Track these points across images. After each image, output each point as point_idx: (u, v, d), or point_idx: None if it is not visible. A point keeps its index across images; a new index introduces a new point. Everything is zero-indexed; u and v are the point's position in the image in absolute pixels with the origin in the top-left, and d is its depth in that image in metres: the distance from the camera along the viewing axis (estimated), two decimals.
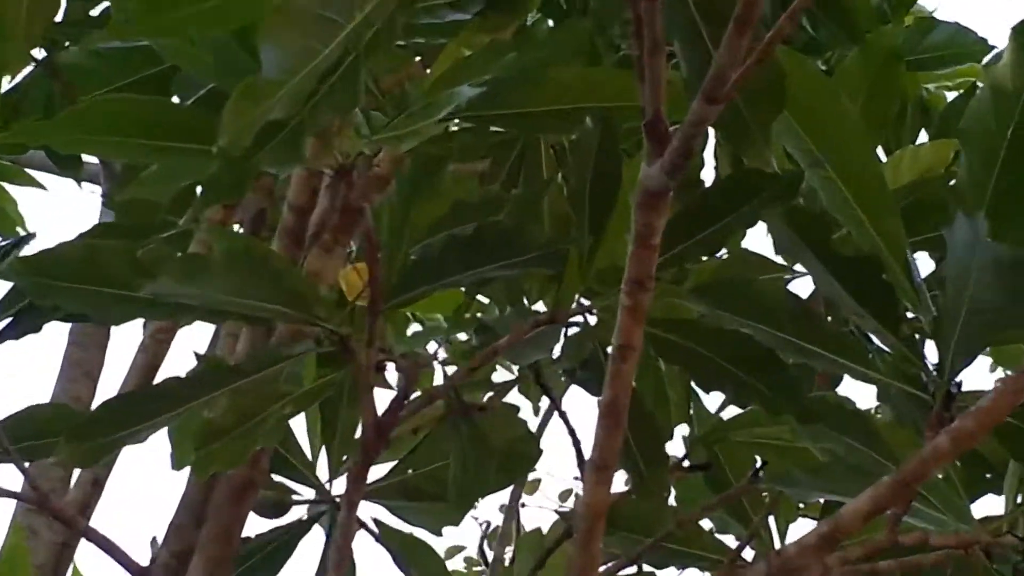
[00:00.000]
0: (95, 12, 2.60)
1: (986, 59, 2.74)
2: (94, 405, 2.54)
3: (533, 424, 2.58)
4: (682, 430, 2.31)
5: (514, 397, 2.32)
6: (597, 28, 1.43)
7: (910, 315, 1.56)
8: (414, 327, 3.10)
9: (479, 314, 2.45)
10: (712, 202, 1.56)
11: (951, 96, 3.12)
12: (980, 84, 2.96)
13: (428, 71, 2.06)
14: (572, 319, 1.70)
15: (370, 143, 1.51)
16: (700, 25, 1.34)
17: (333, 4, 1.21)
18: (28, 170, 3.14)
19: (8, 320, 2.05)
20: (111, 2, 1.46)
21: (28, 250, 2.09)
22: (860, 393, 1.99)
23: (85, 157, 2.77)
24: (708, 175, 2.62)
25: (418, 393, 1.64)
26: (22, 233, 3.53)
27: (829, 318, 1.84)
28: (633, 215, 1.26)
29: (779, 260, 2.06)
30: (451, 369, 1.79)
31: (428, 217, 1.53)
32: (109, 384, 2.56)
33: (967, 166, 1.48)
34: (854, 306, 1.49)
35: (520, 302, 1.84)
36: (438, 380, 1.88)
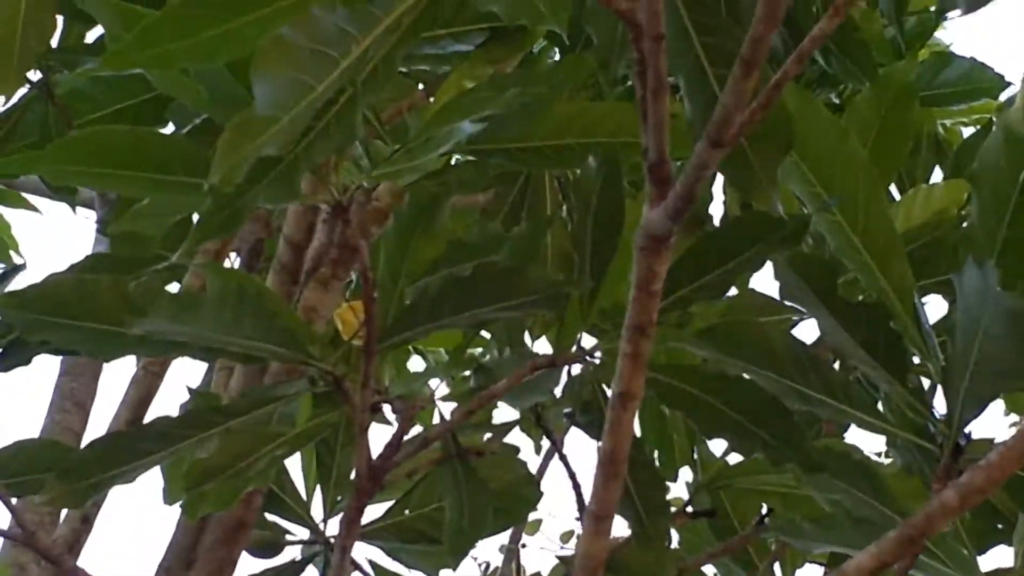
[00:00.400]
0: (91, 34, 2.60)
1: (1002, 96, 2.72)
2: (86, 436, 2.51)
3: (534, 463, 2.54)
4: (686, 473, 2.27)
5: (516, 433, 2.29)
6: (600, 64, 1.40)
7: (916, 359, 1.53)
8: (415, 358, 3.08)
9: (480, 349, 2.42)
10: (717, 245, 1.53)
11: (967, 131, 3.09)
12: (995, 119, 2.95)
13: (431, 99, 2.03)
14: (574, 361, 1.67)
15: (368, 177, 1.48)
16: (705, 64, 1.31)
17: (328, 38, 1.18)
18: (22, 193, 3.12)
19: None
20: (105, 33, 1.43)
21: (19, 280, 2.07)
22: (869, 435, 1.96)
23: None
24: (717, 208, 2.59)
25: (418, 428, 1.60)
26: (15, 257, 3.52)
27: (836, 363, 1.80)
28: (635, 259, 1.23)
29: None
30: (450, 404, 1.76)
31: (426, 256, 1.50)
32: (101, 415, 2.53)
33: (978, 212, 1.45)
34: (861, 355, 1.45)
35: (520, 342, 1.80)
36: (437, 418, 1.85)
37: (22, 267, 2.06)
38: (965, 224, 1.46)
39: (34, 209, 3.27)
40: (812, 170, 1.49)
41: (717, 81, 1.31)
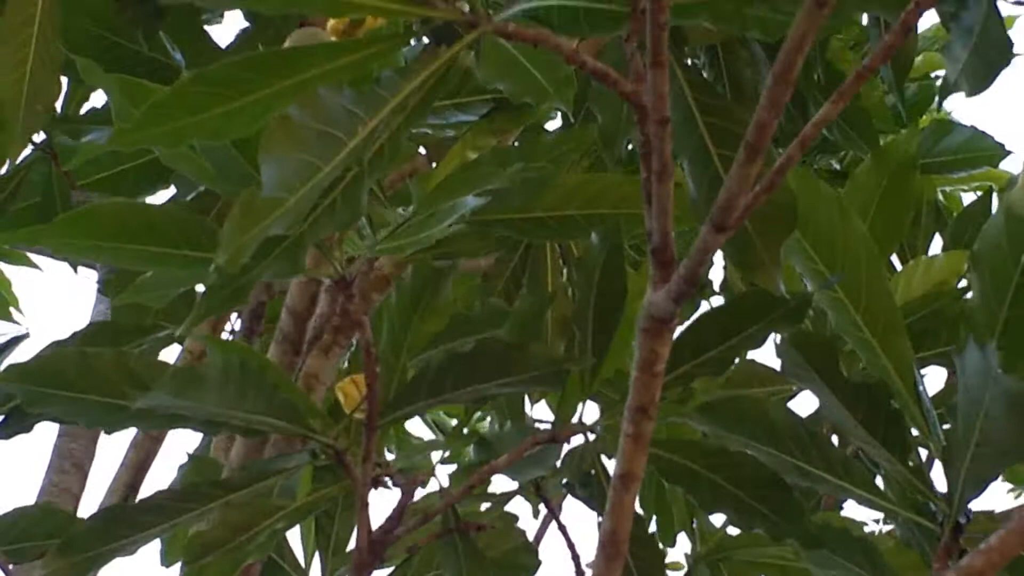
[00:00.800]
0: (95, 95, 2.62)
1: (1003, 164, 2.73)
2: (85, 498, 2.51)
3: (532, 526, 2.54)
4: (684, 541, 2.27)
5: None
6: (604, 143, 1.41)
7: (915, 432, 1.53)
8: (416, 418, 3.08)
9: (480, 412, 2.42)
10: (719, 322, 1.53)
11: (967, 197, 3.11)
12: (995, 187, 2.96)
13: (433, 164, 2.04)
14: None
15: (372, 251, 1.49)
16: (709, 145, 1.33)
17: (335, 120, 1.18)
18: (24, 250, 3.13)
19: None
20: (113, 110, 1.44)
21: (21, 350, 2.08)
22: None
23: None
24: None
25: (419, 491, 1.60)
26: (15, 314, 3.52)
27: (835, 438, 1.80)
28: (638, 341, 1.24)
29: None
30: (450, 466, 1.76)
31: (428, 331, 1.50)
32: (100, 477, 2.53)
33: (979, 292, 1.45)
34: (862, 434, 1.45)
35: (521, 414, 1.81)
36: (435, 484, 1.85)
37: (25, 336, 2.07)
38: (967, 303, 1.46)
39: (35, 266, 3.28)
40: (814, 247, 1.49)
41: (721, 161, 1.32)
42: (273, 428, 1.47)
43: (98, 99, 2.77)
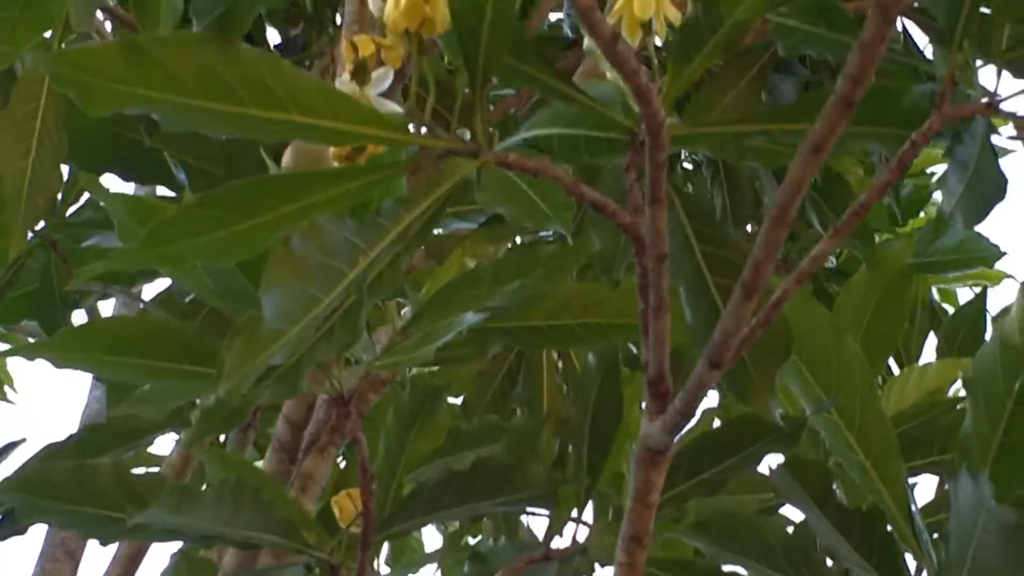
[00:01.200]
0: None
1: (997, 265, 2.75)
2: None
3: None
4: None
5: None
6: (601, 268, 1.42)
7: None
8: None
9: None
10: (713, 444, 1.54)
11: (962, 292, 3.12)
12: (990, 285, 2.98)
13: (428, 261, 2.05)
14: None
15: (370, 367, 1.50)
16: (706, 273, 1.33)
17: (336, 251, 1.20)
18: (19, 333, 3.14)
19: None
20: (116, 227, 1.45)
21: (15, 457, 2.08)
22: None
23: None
24: None
25: None
26: (9, 393, 3.53)
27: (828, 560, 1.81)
28: (632, 470, 1.24)
29: None
30: None
31: (425, 448, 1.51)
32: (92, 566, 2.53)
33: (973, 419, 1.46)
34: (856, 559, 1.46)
35: (515, 531, 1.81)
36: None
37: (21, 442, 2.07)
38: (960, 430, 1.47)
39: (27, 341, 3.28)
40: (810, 369, 1.51)
41: (717, 290, 1.33)
42: (269, 544, 1.47)
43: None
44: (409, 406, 1.50)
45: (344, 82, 1.26)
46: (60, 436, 1.86)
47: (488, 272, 1.65)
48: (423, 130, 1.21)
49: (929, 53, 1.80)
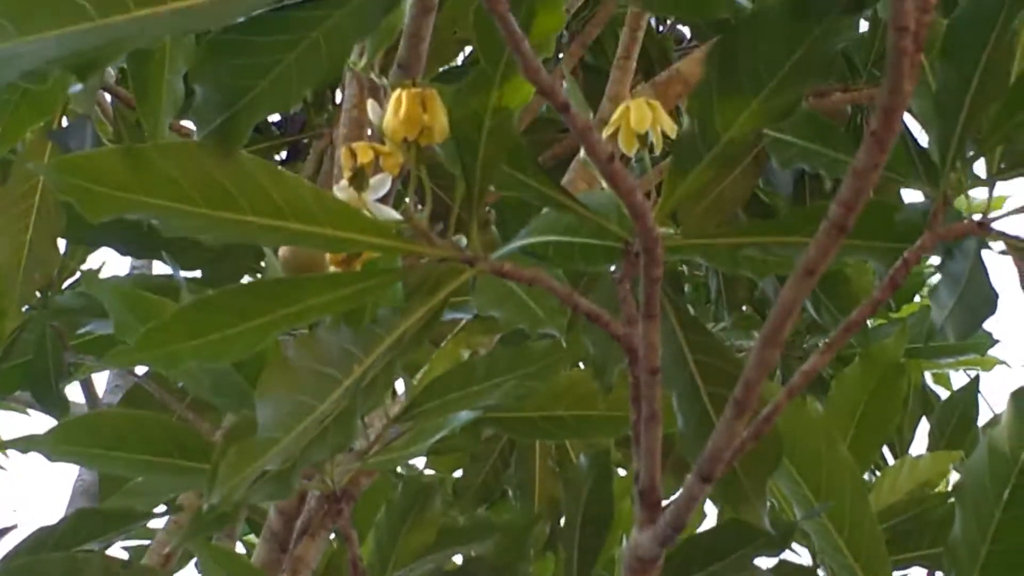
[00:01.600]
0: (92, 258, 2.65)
1: (991, 352, 2.77)
2: None
3: None
4: None
5: None
6: (595, 372, 1.43)
7: None
8: None
9: None
10: (702, 548, 1.55)
11: (954, 375, 3.14)
12: (982, 371, 3.00)
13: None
14: None
15: (364, 465, 1.50)
16: (699, 382, 1.34)
17: (331, 359, 1.20)
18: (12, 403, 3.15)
19: None
20: (113, 321, 1.46)
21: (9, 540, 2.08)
22: None
23: (71, 395, 2.77)
24: None
25: None
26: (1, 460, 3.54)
27: None
28: None
29: None
30: None
31: (416, 544, 1.52)
32: None
33: (962, 525, 1.47)
34: None
35: None
36: None
37: (13, 527, 2.07)
38: (950, 538, 1.47)
39: (23, 411, 3.29)
40: (800, 473, 1.52)
41: (709, 398, 1.34)
42: None
43: (94, 259, 2.80)
44: (401, 503, 1.51)
45: (342, 188, 1.27)
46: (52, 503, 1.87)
47: (482, 365, 1.66)
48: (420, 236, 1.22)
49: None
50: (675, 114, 1.27)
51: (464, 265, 1.23)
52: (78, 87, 1.80)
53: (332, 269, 1.29)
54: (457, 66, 2.72)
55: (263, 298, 1.24)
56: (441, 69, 2.62)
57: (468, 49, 2.77)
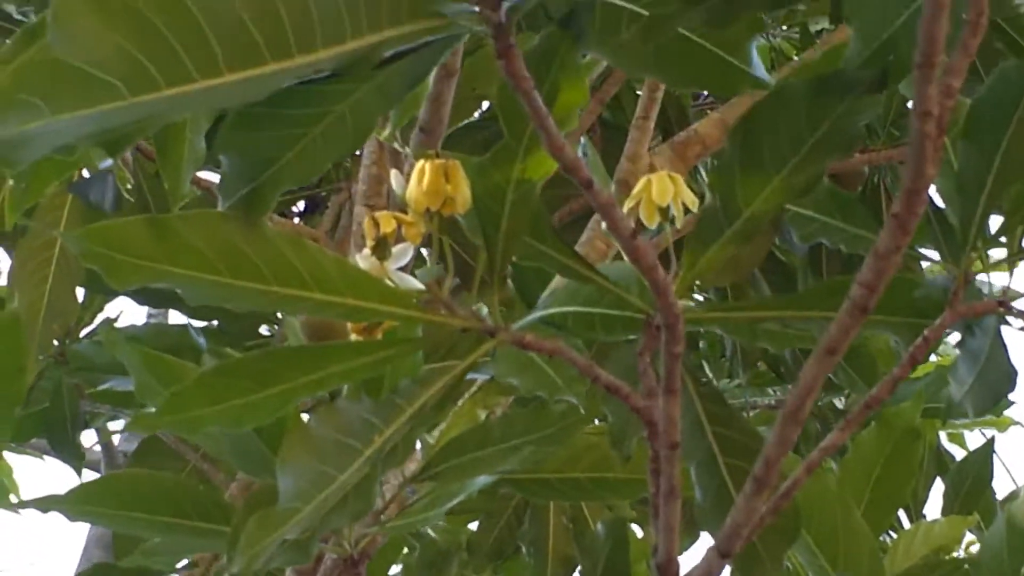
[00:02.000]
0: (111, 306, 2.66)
1: (1008, 412, 2.76)
2: None
3: None
4: None
5: None
6: (612, 441, 1.43)
7: None
8: None
9: None
10: None
11: (969, 435, 3.13)
12: (997, 432, 3.00)
13: None
14: None
15: (381, 530, 1.51)
16: (718, 455, 1.35)
17: (353, 429, 1.21)
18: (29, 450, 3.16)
19: None
20: (135, 383, 1.46)
21: None
22: None
23: (86, 442, 2.78)
24: None
25: None
26: (14, 500, 3.54)
27: None
28: None
29: None
30: None
31: None
32: None
33: None
34: None
35: None
36: None
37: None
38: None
39: (38, 456, 3.30)
40: (817, 543, 1.52)
41: (728, 470, 1.34)
42: None
43: (112, 308, 2.80)
44: (419, 566, 1.51)
45: (365, 256, 1.27)
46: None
47: (499, 427, 1.66)
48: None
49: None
50: (693, 175, 1.27)
51: (485, 335, 1.23)
52: (108, 162, 1.81)
53: (353, 337, 1.29)
54: (475, 121, 2.72)
55: (285, 365, 1.25)
56: (459, 125, 2.62)
57: (485, 104, 2.78)
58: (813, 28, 2.96)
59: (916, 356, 1.20)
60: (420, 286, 1.24)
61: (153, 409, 1.26)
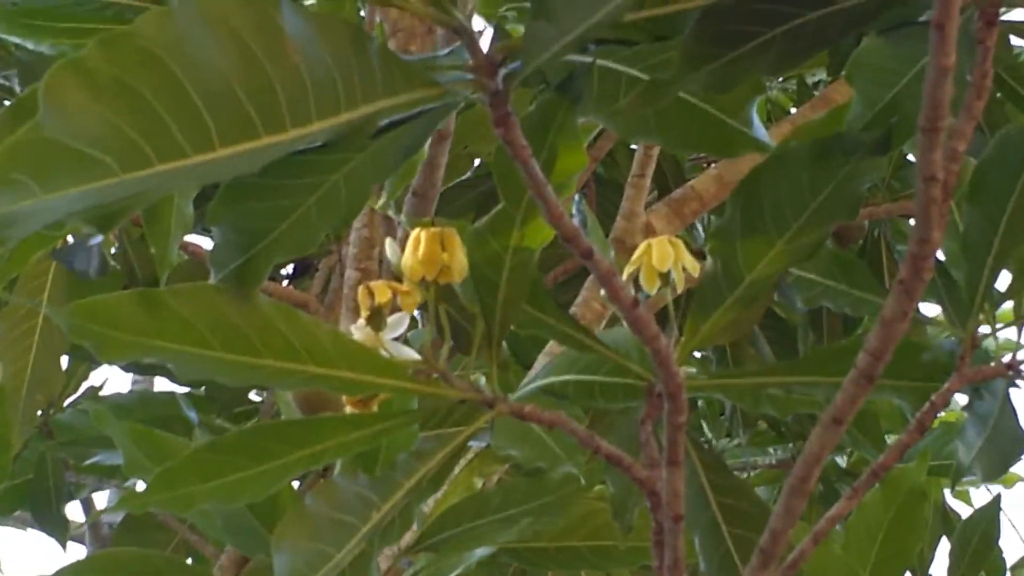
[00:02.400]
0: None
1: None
2: None
3: None
4: None
5: None
6: (614, 511, 1.41)
7: None
8: None
9: None
10: None
11: (975, 492, 3.10)
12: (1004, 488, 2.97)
13: None
14: None
15: None
16: (722, 525, 1.32)
17: (350, 507, 1.18)
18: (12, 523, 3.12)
19: None
20: (123, 458, 1.44)
21: None
22: None
23: (71, 515, 2.75)
24: None
25: None
26: None
27: None
28: None
29: None
30: None
31: None
32: None
33: None
34: None
35: None
36: None
37: None
38: None
39: (21, 528, 3.26)
40: None
41: (732, 540, 1.32)
42: None
43: (96, 377, 2.78)
44: None
45: (360, 327, 1.25)
46: None
47: (496, 496, 1.63)
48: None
49: None
50: (690, 231, 1.26)
51: (483, 406, 1.21)
52: (99, 239, 1.79)
53: (348, 409, 1.27)
54: (467, 179, 2.70)
55: (279, 440, 1.22)
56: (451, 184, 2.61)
57: (477, 162, 2.76)
58: (810, 80, 2.94)
59: (924, 422, 1.18)
60: (416, 356, 1.22)
61: (142, 485, 1.24)
